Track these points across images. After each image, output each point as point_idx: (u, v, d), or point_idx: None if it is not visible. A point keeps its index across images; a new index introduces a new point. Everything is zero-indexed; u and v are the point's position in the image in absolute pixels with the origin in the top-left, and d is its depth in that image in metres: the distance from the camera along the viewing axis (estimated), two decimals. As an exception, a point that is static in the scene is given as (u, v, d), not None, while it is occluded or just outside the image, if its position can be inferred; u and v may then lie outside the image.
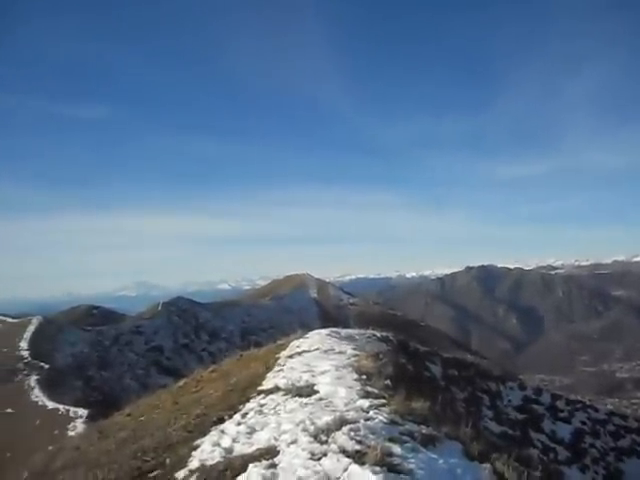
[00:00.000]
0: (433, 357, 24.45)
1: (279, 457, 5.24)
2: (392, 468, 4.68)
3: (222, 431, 6.94)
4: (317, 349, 14.18)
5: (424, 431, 6.18)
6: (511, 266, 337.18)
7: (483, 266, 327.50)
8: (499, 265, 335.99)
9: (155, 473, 5.96)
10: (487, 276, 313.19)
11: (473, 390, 23.00)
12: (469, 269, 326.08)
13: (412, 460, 5.02)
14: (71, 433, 27.95)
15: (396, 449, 5.23)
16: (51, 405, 38.05)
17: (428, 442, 5.83)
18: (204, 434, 7.03)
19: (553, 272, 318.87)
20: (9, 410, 38.77)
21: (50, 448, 13.26)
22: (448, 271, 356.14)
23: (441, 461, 5.21)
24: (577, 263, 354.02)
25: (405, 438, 5.74)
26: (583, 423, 22.82)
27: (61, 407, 37.07)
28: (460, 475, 4.94)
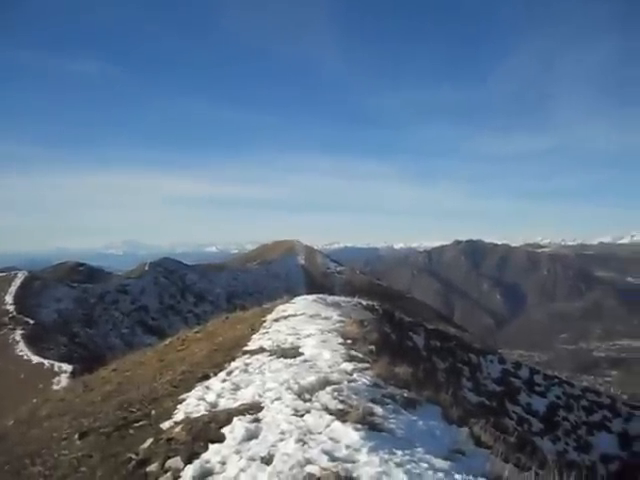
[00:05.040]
0: (417, 328, 24.82)
1: (263, 412, 5.35)
2: (373, 427, 4.80)
3: (207, 387, 7.05)
4: (303, 314, 14.31)
5: (405, 394, 6.34)
6: (498, 242, 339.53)
7: (471, 240, 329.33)
8: (487, 240, 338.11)
9: (141, 423, 6.06)
10: (474, 251, 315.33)
11: (454, 361, 23.46)
12: (457, 243, 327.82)
13: (393, 420, 5.15)
14: (56, 387, 28.16)
15: (378, 409, 5.37)
16: (36, 360, 38.22)
17: (409, 405, 5.99)
18: (189, 389, 7.14)
19: (539, 250, 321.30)
20: (-6, 363, 38.90)
21: (35, 400, 13.34)
22: (436, 244, 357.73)
23: (421, 422, 5.35)
24: (563, 242, 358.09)
25: (387, 400, 5.88)
26: (558, 397, 23.43)
27: (46, 362, 37.26)
28: (439, 436, 5.08)
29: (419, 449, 4.40)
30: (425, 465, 3.98)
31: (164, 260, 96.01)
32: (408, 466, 3.88)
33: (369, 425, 4.78)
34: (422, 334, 24.18)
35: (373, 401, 5.66)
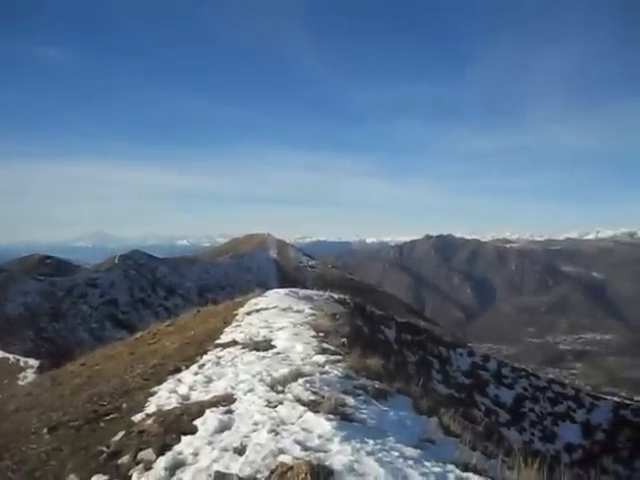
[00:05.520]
0: (388, 321, 25.08)
1: (236, 404, 5.37)
2: (345, 417, 4.87)
3: (179, 380, 7.03)
4: (275, 307, 14.33)
5: (377, 386, 6.44)
6: (468, 237, 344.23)
7: (442, 235, 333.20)
8: (457, 235, 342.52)
9: (112, 416, 6.01)
10: (445, 245, 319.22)
11: (424, 354, 23.81)
12: (428, 238, 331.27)
13: (365, 411, 5.23)
14: (21, 382, 27.59)
15: (350, 400, 5.44)
16: (0, 354, 37.35)
17: (380, 396, 6.09)
18: (161, 382, 7.11)
19: (508, 245, 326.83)
20: (-45, 357, 37.86)
21: (0, 395, 13.09)
22: (408, 239, 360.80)
23: (392, 413, 5.44)
24: (531, 238, 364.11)
25: (359, 391, 5.96)
26: (525, 389, 24.00)
27: (11, 356, 36.40)
28: (409, 426, 5.18)
29: (390, 438, 4.48)
30: (396, 453, 4.05)
31: (134, 253, 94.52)
32: (379, 455, 3.95)
33: (341, 415, 4.84)
34: (393, 327, 24.46)
35: (345, 392, 5.73)
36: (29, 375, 31.36)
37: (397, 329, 24.57)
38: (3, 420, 7.88)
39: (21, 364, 34.72)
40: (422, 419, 5.65)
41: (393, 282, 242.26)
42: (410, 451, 4.19)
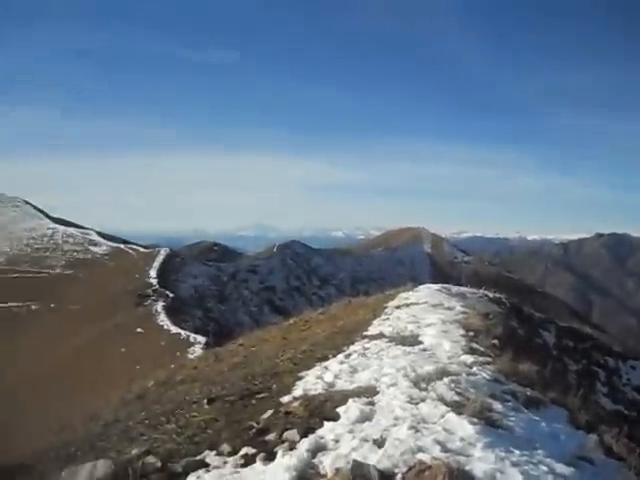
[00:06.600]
0: (547, 324, 23.38)
1: (378, 396, 5.39)
2: (491, 422, 4.63)
3: (325, 367, 7.25)
4: (425, 302, 14.11)
5: (528, 393, 6.02)
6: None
7: (615, 234, 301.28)
8: (634, 234, 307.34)
9: (262, 395, 6.43)
10: (618, 245, 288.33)
11: (588, 363, 21.80)
12: (599, 236, 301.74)
13: (512, 418, 4.92)
14: (190, 356, 30.58)
15: (497, 405, 5.16)
16: (174, 329, 41.78)
17: (531, 404, 5.69)
18: (308, 368, 7.40)
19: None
20: (139, 330, 43.19)
21: (172, 365, 14.61)
22: (574, 237, 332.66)
23: (543, 424, 5.07)
24: None
25: (507, 397, 5.63)
26: None
27: (182, 332, 40.60)
28: (563, 440, 4.78)
29: (539, 451, 4.17)
30: (545, 468, 3.77)
31: (292, 243, 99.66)
32: (526, 467, 3.70)
33: (486, 420, 4.62)
34: (553, 331, 22.74)
35: (492, 396, 5.46)
36: (197, 350, 34.69)
37: (557, 334, 22.80)
38: (171, 388, 8.82)
39: (191, 339, 38.57)
40: (579, 434, 5.18)
41: (556, 283, 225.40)
42: (562, 468, 3.86)
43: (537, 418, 5.21)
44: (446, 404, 4.97)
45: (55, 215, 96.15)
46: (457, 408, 4.82)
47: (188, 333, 40.19)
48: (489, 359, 7.23)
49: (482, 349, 7.97)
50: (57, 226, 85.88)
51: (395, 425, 4.48)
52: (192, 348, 35.46)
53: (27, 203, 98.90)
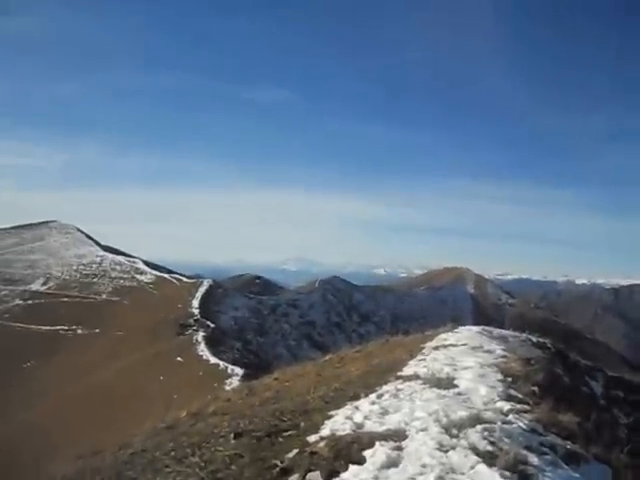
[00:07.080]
0: (595, 373, 22.27)
1: (407, 441, 5.21)
2: (525, 477, 4.39)
3: (356, 407, 7.09)
4: (465, 345, 13.72)
5: (569, 447, 5.69)
6: None
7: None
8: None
9: (289, 432, 6.32)
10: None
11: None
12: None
13: (549, 474, 4.64)
14: (227, 387, 30.61)
15: (533, 458, 4.88)
16: (213, 360, 42.07)
17: (571, 459, 5.37)
18: (339, 407, 7.25)
19: None
20: (179, 359, 43.70)
21: (208, 397, 14.65)
22: (625, 282, 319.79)
23: (583, 482, 4.77)
24: None
25: (545, 450, 5.33)
26: None
27: (221, 363, 40.83)
28: (603, 501, 4.48)
29: (576, 511, 3.92)
30: (581, 531, 3.53)
31: (333, 279, 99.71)
32: (559, 528, 3.47)
33: (519, 474, 4.38)
34: (601, 380, 21.63)
35: (528, 448, 5.17)
36: (234, 381, 34.76)
37: (606, 383, 21.66)
38: (202, 420, 8.80)
39: (229, 371, 38.72)
40: (623, 495, 4.86)
41: (605, 329, 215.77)
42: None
43: (577, 475, 4.92)
44: (477, 454, 4.74)
45: (105, 243, 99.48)
46: (489, 459, 4.59)
47: (226, 364, 40.40)
48: (527, 407, 6.91)
49: (520, 396, 7.63)
50: (106, 254, 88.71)
51: (422, 474, 4.31)
52: (229, 380, 35.57)
53: (79, 230, 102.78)
